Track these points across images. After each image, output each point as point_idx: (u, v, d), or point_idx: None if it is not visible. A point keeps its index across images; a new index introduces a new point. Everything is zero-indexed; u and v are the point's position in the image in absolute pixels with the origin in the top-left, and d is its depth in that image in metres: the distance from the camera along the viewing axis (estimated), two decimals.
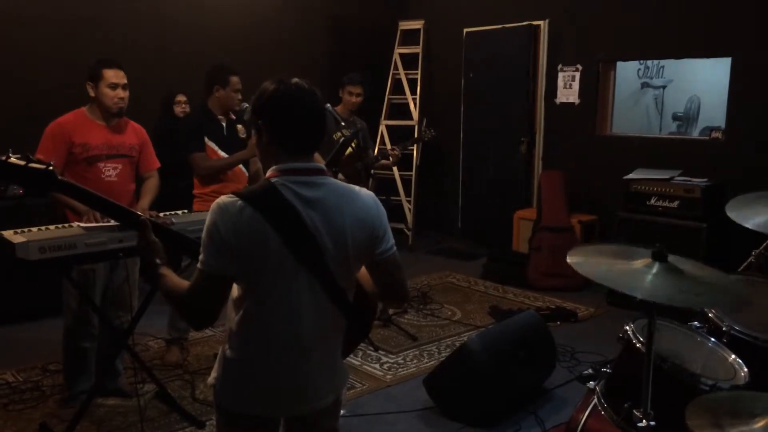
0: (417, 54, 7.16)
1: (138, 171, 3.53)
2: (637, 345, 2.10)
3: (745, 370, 2.09)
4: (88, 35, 5.19)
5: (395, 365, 4.07)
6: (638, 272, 1.81)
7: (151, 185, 3.56)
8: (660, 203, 4.98)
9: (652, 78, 8.06)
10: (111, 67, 3.25)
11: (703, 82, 7.57)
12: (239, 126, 4.07)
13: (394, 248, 1.78)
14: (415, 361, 4.14)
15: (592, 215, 5.86)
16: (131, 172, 3.47)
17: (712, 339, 2.27)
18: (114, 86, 3.25)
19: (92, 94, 3.28)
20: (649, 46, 5.61)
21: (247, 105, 3.90)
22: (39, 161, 2.12)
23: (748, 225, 2.54)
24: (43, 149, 3.15)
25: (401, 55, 7.25)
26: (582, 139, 6.04)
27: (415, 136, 6.78)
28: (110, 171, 3.33)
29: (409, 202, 7.08)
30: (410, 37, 7.27)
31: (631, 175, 5.23)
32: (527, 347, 3.55)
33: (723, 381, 1.99)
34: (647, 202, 5.05)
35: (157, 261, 1.78)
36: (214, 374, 1.78)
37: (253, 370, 1.71)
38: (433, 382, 3.52)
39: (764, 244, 2.94)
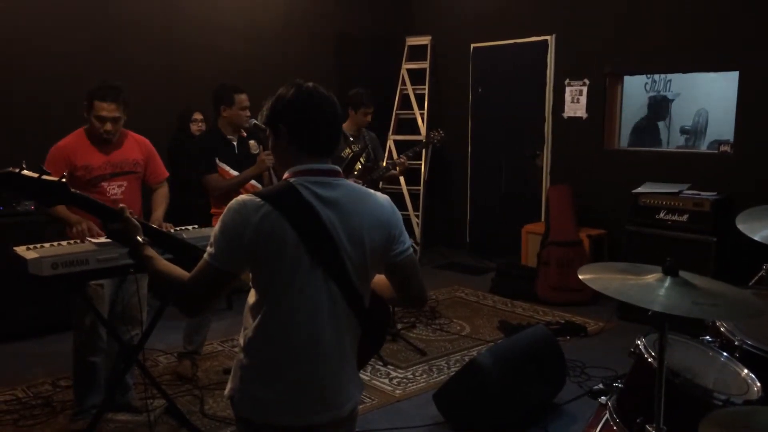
0: (425, 69, 7.20)
1: (146, 182, 3.56)
2: (649, 359, 2.09)
3: (758, 384, 2.08)
4: (105, 55, 5.25)
5: (405, 380, 4.06)
6: (650, 286, 1.82)
7: (162, 195, 3.58)
8: (669, 217, 4.97)
9: (659, 92, 8.07)
10: (104, 99, 3.24)
11: (711, 96, 7.56)
12: (251, 142, 4.12)
13: (411, 250, 1.79)
14: (424, 375, 4.13)
15: (601, 229, 5.85)
16: (137, 188, 3.50)
17: (725, 353, 2.26)
18: (102, 119, 3.26)
19: (86, 116, 3.32)
20: (656, 60, 5.62)
21: (255, 121, 3.94)
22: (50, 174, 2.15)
23: (758, 238, 2.54)
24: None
25: (409, 70, 7.29)
26: (590, 153, 6.05)
27: (423, 140, 6.80)
28: (115, 189, 3.36)
29: (417, 216, 7.09)
30: (418, 52, 7.32)
31: (639, 189, 5.22)
32: (537, 362, 3.54)
33: (736, 396, 1.98)
34: (656, 216, 5.03)
35: (139, 239, 1.80)
36: (230, 386, 1.77)
37: (271, 376, 1.70)
38: (443, 397, 3.51)
39: None
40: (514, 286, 5.81)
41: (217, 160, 3.94)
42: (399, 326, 4.86)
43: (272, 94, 1.76)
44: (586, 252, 5.63)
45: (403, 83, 7.29)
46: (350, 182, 1.76)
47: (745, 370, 2.16)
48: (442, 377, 3.98)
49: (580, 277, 1.87)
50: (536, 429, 3.43)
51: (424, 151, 6.87)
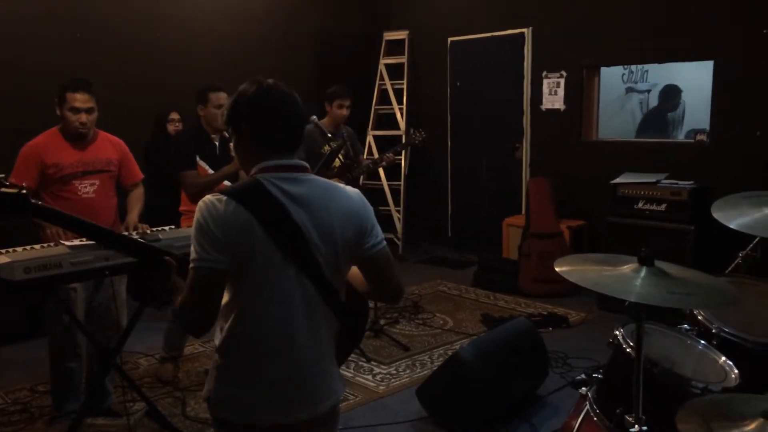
0: (402, 64, 7.19)
1: (121, 184, 3.51)
2: (627, 350, 2.09)
3: (736, 372, 2.09)
4: (81, 54, 5.16)
5: (388, 376, 4.05)
6: (627, 277, 1.82)
7: (137, 196, 3.54)
8: (647, 206, 5.00)
9: (636, 82, 8.11)
10: (76, 90, 3.21)
11: (687, 86, 7.62)
12: (232, 144, 4.07)
13: (384, 243, 1.77)
14: (407, 371, 4.12)
15: (581, 220, 5.88)
16: (111, 187, 3.45)
17: (702, 342, 2.27)
18: (76, 110, 3.22)
19: (58, 113, 3.28)
20: (631, 51, 5.66)
21: None
22: (13, 185, 2.09)
23: (733, 226, 2.54)
24: (17, 172, 3.16)
25: (387, 65, 7.27)
26: (568, 144, 6.07)
27: (403, 141, 6.79)
28: (87, 188, 3.31)
29: (398, 211, 7.08)
30: (395, 47, 7.30)
31: (618, 180, 5.25)
32: (519, 354, 3.55)
33: (714, 384, 1.99)
34: (635, 206, 5.07)
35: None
36: (207, 387, 1.76)
37: (247, 375, 1.69)
38: (427, 392, 3.51)
39: (750, 245, 2.95)
40: (496, 279, 5.82)
41: (198, 158, 3.90)
42: (382, 322, 4.85)
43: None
44: (567, 243, 5.66)
45: (382, 78, 7.27)
46: (317, 177, 1.75)
47: (723, 358, 2.17)
48: (426, 372, 3.98)
49: (557, 269, 1.87)
50: (520, 421, 3.44)
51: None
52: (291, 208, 1.63)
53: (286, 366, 1.69)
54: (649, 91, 8.21)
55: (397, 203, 7.09)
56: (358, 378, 4.00)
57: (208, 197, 1.63)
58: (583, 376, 3.36)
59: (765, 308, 2.43)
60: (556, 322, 4.88)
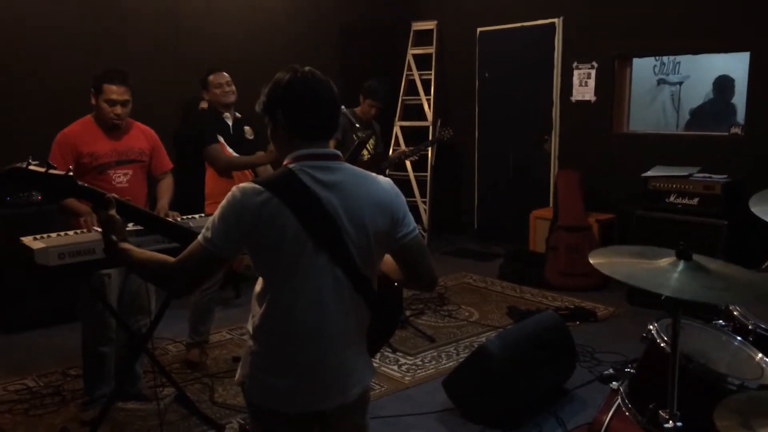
0: (431, 54, 7.14)
1: (151, 173, 3.55)
2: (662, 344, 2.06)
3: None
4: (111, 44, 5.21)
5: (414, 367, 4.05)
6: (663, 271, 1.79)
7: (166, 185, 3.58)
8: (679, 200, 4.92)
9: (668, 74, 7.96)
10: (113, 82, 3.25)
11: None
12: (247, 128, 4.14)
13: (417, 232, 1.78)
14: (433, 362, 4.12)
15: (610, 214, 5.80)
16: (142, 177, 3.49)
17: (738, 338, 2.23)
18: (112, 102, 3.26)
19: (93, 102, 3.32)
20: (665, 41, 5.55)
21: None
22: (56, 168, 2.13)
23: None
24: (53, 158, 3.18)
25: (414, 55, 7.23)
26: (598, 136, 5.99)
27: (430, 137, 6.77)
28: (120, 177, 3.35)
29: (424, 203, 7.06)
30: (423, 37, 7.25)
31: (649, 173, 5.17)
32: (547, 347, 3.52)
33: (750, 380, 1.95)
34: (666, 200, 4.99)
35: (113, 238, 1.79)
36: (240, 372, 1.78)
37: (279, 363, 1.71)
38: (453, 383, 3.50)
39: None
40: (522, 272, 5.78)
41: (218, 136, 4.01)
42: (408, 313, 4.85)
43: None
44: (595, 237, 5.59)
45: (409, 69, 7.23)
46: (350, 165, 1.75)
47: (760, 354, 2.13)
48: (451, 363, 3.97)
49: (591, 261, 1.84)
50: (546, 414, 3.41)
51: (431, 137, 6.83)
52: (323, 197, 1.64)
53: (316, 354, 1.70)
54: (681, 83, 8.07)
55: (423, 194, 7.07)
56: (383, 368, 4.01)
57: (243, 184, 1.65)
58: (611, 370, 3.33)
59: None
60: (583, 316, 4.83)
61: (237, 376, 1.80)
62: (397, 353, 4.22)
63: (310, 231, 1.62)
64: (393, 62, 7.23)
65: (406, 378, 3.88)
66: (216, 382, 3.78)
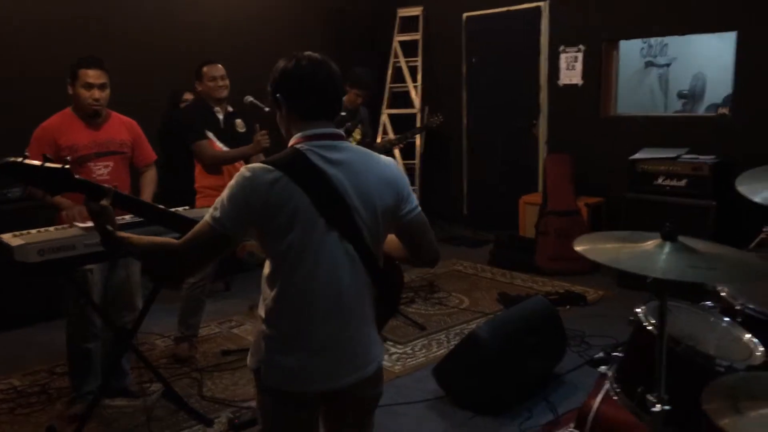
0: (417, 41, 7.07)
1: (134, 165, 3.50)
2: (649, 328, 2.04)
3: (761, 349, 2.03)
4: (95, 35, 5.12)
5: (404, 355, 4.03)
6: (649, 253, 1.76)
7: (150, 178, 3.54)
8: (668, 182, 4.91)
9: (655, 57, 7.94)
10: (89, 67, 3.20)
11: (708, 59, 7.44)
12: (238, 120, 4.06)
13: (420, 209, 1.81)
14: (423, 350, 4.10)
15: (599, 197, 5.79)
16: (125, 169, 3.44)
17: (726, 318, 2.20)
18: (89, 86, 3.21)
19: (70, 92, 3.26)
20: (651, 23, 5.51)
21: (251, 98, 3.89)
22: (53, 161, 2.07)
23: (758, 199, 2.46)
24: (31, 153, 3.12)
25: (401, 42, 7.16)
26: (586, 120, 5.96)
27: (418, 124, 6.72)
28: (101, 170, 3.29)
29: (414, 191, 6.96)
30: (409, 24, 7.18)
31: (637, 155, 5.15)
32: (536, 333, 3.50)
33: (738, 362, 1.93)
34: (654, 182, 4.97)
35: (108, 228, 1.76)
36: (253, 358, 1.77)
37: (296, 343, 1.70)
38: (443, 371, 3.48)
39: None
40: (512, 258, 5.77)
41: (206, 131, 3.92)
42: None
43: (263, 70, 1.80)
44: (585, 221, 5.58)
45: (396, 56, 7.16)
46: (355, 145, 1.78)
47: (747, 335, 2.11)
48: (442, 351, 3.96)
49: (576, 248, 1.81)
50: (537, 399, 3.41)
51: (419, 124, 6.79)
52: (332, 174, 1.66)
53: (334, 329, 1.71)
54: (668, 65, 8.04)
55: (412, 182, 6.98)
56: None
57: (252, 165, 1.65)
58: (601, 354, 3.33)
59: None
60: (573, 300, 4.83)
61: (249, 362, 1.79)
62: (388, 342, 4.20)
63: (321, 208, 1.63)
64: (379, 49, 7.17)
65: (396, 367, 3.87)
66: (205, 377, 3.75)
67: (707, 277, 1.62)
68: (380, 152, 4.78)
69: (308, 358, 1.70)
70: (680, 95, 8.01)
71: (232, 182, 1.63)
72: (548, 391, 3.49)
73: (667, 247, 1.75)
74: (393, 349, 4.11)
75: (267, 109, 3.64)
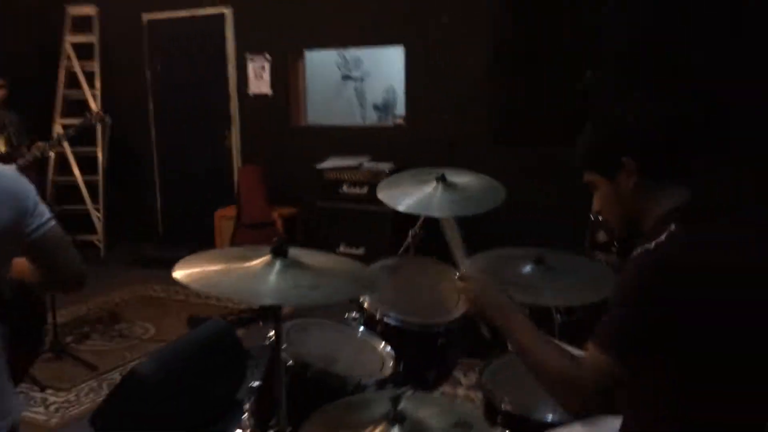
0: (93, 44, 6.36)
1: None
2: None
3: (393, 360, 1.99)
4: None
5: (65, 404, 3.47)
6: (260, 274, 1.57)
7: None
8: (351, 190, 5.02)
9: (351, 70, 8.26)
10: None
11: (398, 72, 7.93)
12: None
13: (54, 222, 1.55)
14: (91, 395, 3.59)
15: (293, 208, 5.75)
16: None
17: (363, 330, 2.14)
18: None
19: None
20: (332, 35, 5.62)
21: None
22: None
23: (401, 208, 2.48)
24: None
25: (74, 44, 6.38)
26: (277, 130, 5.89)
27: (99, 136, 6.07)
28: None
29: (97, 209, 6.27)
30: (83, 24, 6.43)
31: (323, 164, 5.20)
32: (213, 358, 3.22)
33: (366, 377, 1.85)
34: (340, 190, 5.05)
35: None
36: None
37: None
38: (101, 418, 3.00)
39: (418, 224, 2.96)
40: None
41: None
42: (68, 339, 4.19)
43: None
44: (281, 232, 5.48)
45: (69, 59, 6.36)
46: None
47: (382, 344, 2.06)
48: None
49: (175, 275, 1.56)
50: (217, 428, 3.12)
51: (100, 135, 6.12)
52: None
53: None
54: (363, 79, 8.43)
55: (95, 200, 6.28)
56: (25, 414, 3.34)
57: None
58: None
59: (426, 288, 2.40)
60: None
61: None
62: (46, 391, 3.58)
63: None
64: (48, 51, 6.31)
65: (53, 420, 3.30)
66: None
67: (309, 298, 1.48)
68: (32, 160, 4.14)
69: None
70: (375, 107, 8.45)
71: None
72: (228, 420, 3.23)
73: (278, 265, 1.58)
74: (52, 398, 3.52)
75: None
